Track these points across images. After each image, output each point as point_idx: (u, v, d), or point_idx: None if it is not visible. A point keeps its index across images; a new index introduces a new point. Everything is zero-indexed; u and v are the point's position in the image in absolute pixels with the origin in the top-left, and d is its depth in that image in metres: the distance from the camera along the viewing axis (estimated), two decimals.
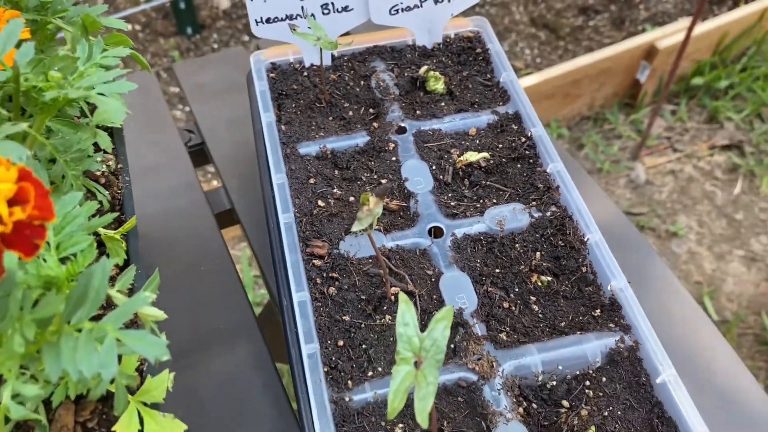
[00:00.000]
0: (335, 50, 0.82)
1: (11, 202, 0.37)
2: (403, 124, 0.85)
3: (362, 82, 0.91)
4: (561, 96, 2.31)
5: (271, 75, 0.90)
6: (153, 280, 0.52)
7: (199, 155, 1.05)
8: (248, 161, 1.00)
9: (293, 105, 0.87)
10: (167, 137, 1.03)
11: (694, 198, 2.25)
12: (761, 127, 2.40)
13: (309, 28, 0.85)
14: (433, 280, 0.72)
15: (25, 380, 0.45)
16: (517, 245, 0.74)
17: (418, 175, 0.80)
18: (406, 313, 0.53)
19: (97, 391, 0.49)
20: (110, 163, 0.68)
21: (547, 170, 0.79)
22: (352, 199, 0.79)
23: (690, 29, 1.93)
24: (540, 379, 0.66)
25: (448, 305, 0.57)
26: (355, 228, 0.58)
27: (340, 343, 0.67)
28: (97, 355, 0.40)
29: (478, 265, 0.73)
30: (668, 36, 2.32)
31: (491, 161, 0.80)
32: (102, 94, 0.52)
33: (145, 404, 0.53)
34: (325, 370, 0.64)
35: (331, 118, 0.87)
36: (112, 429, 0.51)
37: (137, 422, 0.52)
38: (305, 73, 0.91)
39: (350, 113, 0.87)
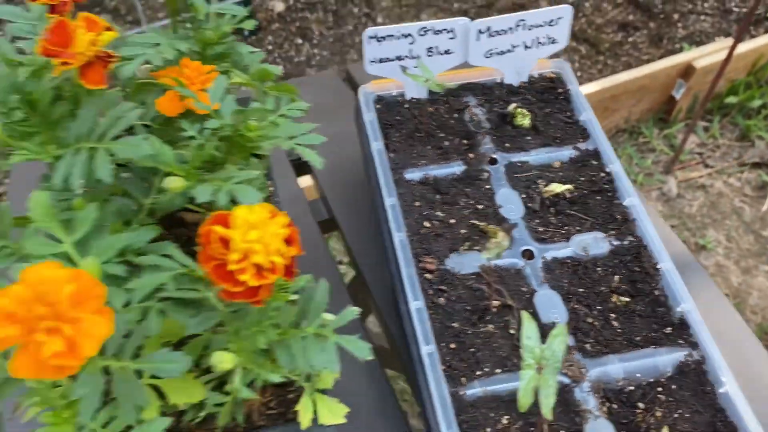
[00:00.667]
0: (438, 89, 0.94)
1: (263, 268, 0.49)
2: (494, 156, 0.97)
3: (455, 115, 1.03)
4: (600, 109, 2.42)
5: (378, 106, 1.03)
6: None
7: (299, 167, 1.18)
8: (345, 174, 1.12)
9: (397, 134, 1.00)
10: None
11: (724, 213, 2.36)
12: None
13: (415, 67, 0.98)
14: (527, 296, 0.84)
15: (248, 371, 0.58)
16: (598, 269, 0.87)
17: (510, 203, 0.92)
18: (529, 328, 0.65)
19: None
20: (271, 188, 0.81)
21: (624, 203, 0.91)
22: (452, 221, 0.91)
23: (731, 51, 2.04)
24: (620, 384, 0.78)
25: (559, 323, 0.69)
26: (484, 256, 0.70)
27: (452, 345, 0.80)
28: (323, 354, 0.54)
29: (565, 284, 0.85)
30: (705, 56, 2.43)
31: (575, 193, 0.93)
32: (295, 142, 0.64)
33: (316, 390, 0.66)
34: (443, 368, 0.77)
35: (429, 147, 0.99)
36: (295, 408, 0.64)
37: (311, 404, 0.65)
38: (406, 106, 1.03)
39: (446, 143, 1.00)
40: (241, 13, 0.75)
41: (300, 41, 2.70)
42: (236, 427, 0.66)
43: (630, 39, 2.75)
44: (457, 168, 0.96)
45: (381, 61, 0.99)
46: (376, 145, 0.97)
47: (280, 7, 2.77)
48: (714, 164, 2.48)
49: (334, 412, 0.66)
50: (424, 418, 0.77)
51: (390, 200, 0.91)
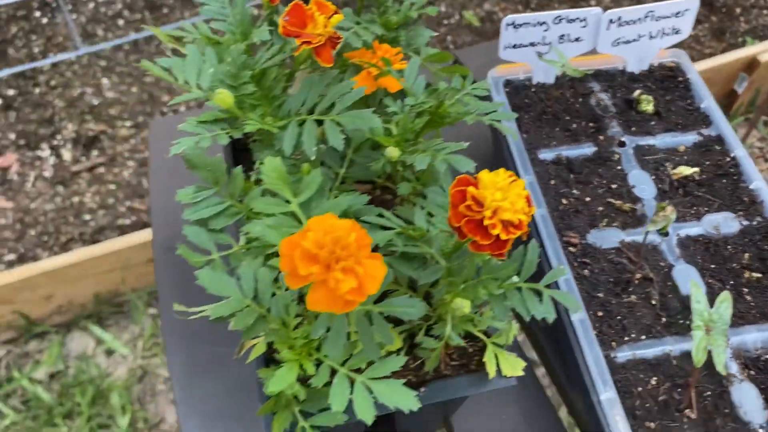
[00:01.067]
0: (577, 75, 1.00)
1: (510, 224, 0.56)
2: (623, 139, 1.03)
3: (580, 100, 1.09)
4: None
5: (506, 89, 1.09)
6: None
7: None
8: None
9: (526, 116, 1.06)
10: None
11: None
12: None
13: (546, 53, 1.04)
14: (665, 270, 0.90)
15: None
16: (729, 247, 0.93)
17: (642, 184, 0.98)
18: (698, 294, 0.72)
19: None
20: None
21: (751, 187, 0.97)
22: (588, 199, 0.97)
23: None
24: (758, 352, 0.84)
25: (724, 291, 0.75)
26: (649, 228, 0.77)
27: (600, 313, 0.86)
28: (542, 305, 0.60)
29: (699, 260, 0.92)
30: None
31: (702, 176, 0.98)
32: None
33: (496, 345, 0.73)
34: (595, 333, 0.84)
35: (558, 129, 1.05)
36: (482, 360, 0.71)
37: (494, 357, 0.72)
38: (533, 90, 1.09)
39: (574, 126, 1.06)
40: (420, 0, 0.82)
41: None
42: (426, 374, 0.73)
43: (692, 32, 2.79)
44: (587, 149, 1.02)
45: (515, 46, 1.05)
46: (511, 125, 1.03)
47: None
48: None
49: (514, 366, 0.72)
50: (574, 379, 0.83)
51: (528, 177, 0.97)
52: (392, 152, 0.68)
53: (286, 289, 0.64)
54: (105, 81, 2.38)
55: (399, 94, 0.76)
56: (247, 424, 0.89)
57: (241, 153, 0.87)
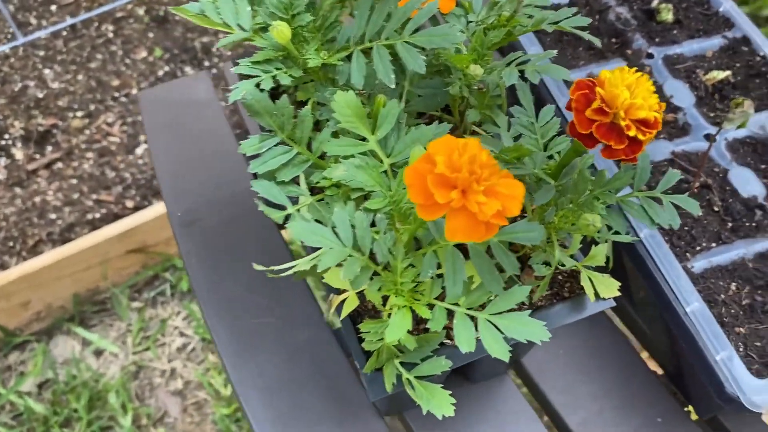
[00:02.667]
0: None
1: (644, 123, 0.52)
2: (650, 51, 1.00)
3: (597, 17, 1.05)
4: None
5: None
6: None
7: None
8: None
9: (547, 39, 1.02)
10: None
11: None
12: None
13: None
14: (721, 175, 0.88)
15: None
16: None
17: (678, 92, 0.96)
18: None
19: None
20: None
21: None
22: None
23: None
24: None
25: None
26: (726, 126, 0.74)
27: (667, 226, 0.83)
28: (666, 212, 0.57)
29: (750, 162, 0.90)
30: None
31: (737, 78, 0.96)
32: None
33: (589, 267, 0.69)
34: (668, 246, 0.81)
35: (581, 49, 1.02)
36: (580, 285, 0.68)
37: (589, 281, 0.68)
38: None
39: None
40: None
41: None
42: (522, 305, 0.69)
43: None
44: (617, 65, 0.99)
45: None
46: (535, 50, 0.98)
47: None
48: None
49: (609, 287, 0.69)
50: (655, 296, 0.80)
51: (565, 101, 0.93)
52: (476, 70, 0.62)
53: (385, 232, 0.58)
54: (47, 72, 2.23)
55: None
56: (311, 390, 0.84)
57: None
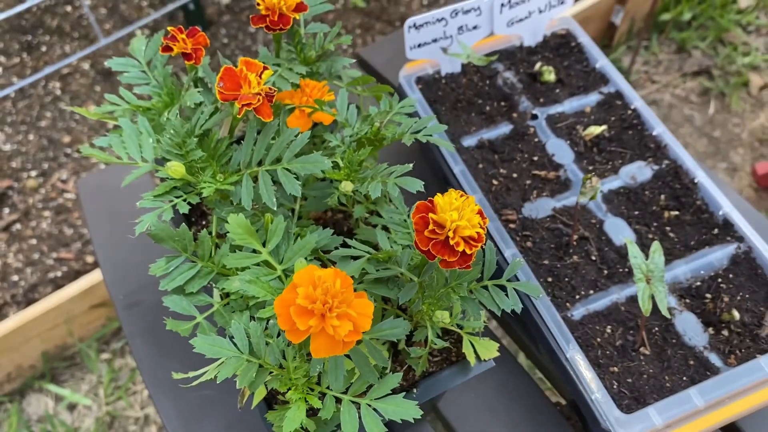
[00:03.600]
0: (482, 63, 1.07)
1: (471, 239, 0.62)
2: (534, 112, 1.11)
3: (488, 82, 1.16)
4: None
5: (419, 86, 1.15)
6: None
7: None
8: (399, 154, 1.24)
9: (443, 108, 1.13)
10: None
11: (677, 122, 2.59)
12: (724, 51, 2.74)
13: (444, 49, 1.10)
14: (597, 226, 1.00)
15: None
16: (646, 192, 1.03)
17: (559, 150, 1.07)
18: (635, 249, 0.81)
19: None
20: None
21: (654, 133, 1.07)
22: (515, 175, 1.05)
23: None
24: (689, 281, 0.95)
25: (655, 241, 0.84)
26: (580, 200, 0.85)
27: (549, 279, 0.95)
28: (509, 299, 0.68)
29: (624, 210, 1.01)
30: None
31: (612, 131, 1.08)
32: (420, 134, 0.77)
33: (470, 334, 0.80)
34: (550, 299, 0.92)
35: (473, 114, 1.13)
36: (461, 350, 0.78)
37: (470, 345, 0.79)
38: (444, 81, 1.16)
39: (487, 108, 1.13)
40: (330, 31, 0.86)
41: (253, 30, 2.75)
42: (413, 376, 0.80)
43: None
44: (504, 128, 1.10)
45: (420, 45, 1.10)
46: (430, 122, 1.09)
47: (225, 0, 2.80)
48: (659, 79, 2.70)
49: (489, 349, 0.80)
50: (540, 343, 0.91)
51: (458, 167, 1.04)
52: (347, 186, 0.73)
53: (278, 335, 0.68)
54: None
55: (332, 124, 0.81)
56: None
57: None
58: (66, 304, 1.87)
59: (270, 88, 0.69)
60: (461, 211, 0.61)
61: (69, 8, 2.62)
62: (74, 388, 1.95)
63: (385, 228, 0.79)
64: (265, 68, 0.70)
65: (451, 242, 0.61)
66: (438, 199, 0.62)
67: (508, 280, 0.72)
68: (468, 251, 0.61)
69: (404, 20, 2.64)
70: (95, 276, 1.89)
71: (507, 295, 0.71)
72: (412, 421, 0.65)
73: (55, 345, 1.94)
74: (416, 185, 0.70)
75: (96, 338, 1.98)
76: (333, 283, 0.57)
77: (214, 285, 0.75)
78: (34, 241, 2.10)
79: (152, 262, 1.11)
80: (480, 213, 0.63)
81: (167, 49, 0.76)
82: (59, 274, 2.06)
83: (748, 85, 2.74)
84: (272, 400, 0.78)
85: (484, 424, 0.97)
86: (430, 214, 0.61)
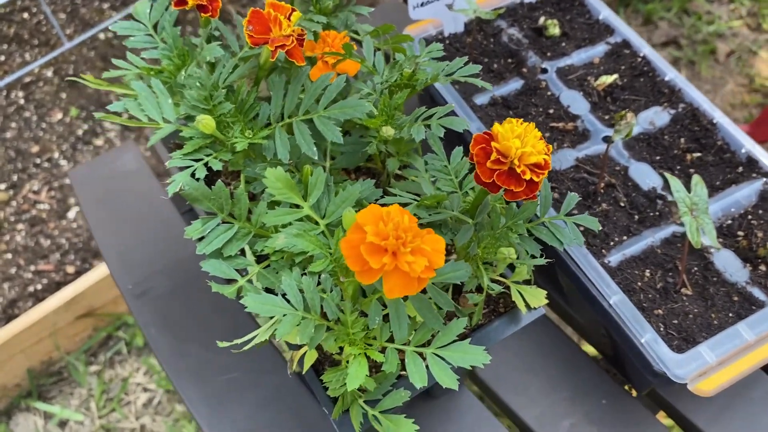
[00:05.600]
0: (489, 17, 1.04)
1: (537, 166, 0.59)
2: (543, 66, 1.09)
3: (492, 40, 1.14)
4: None
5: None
6: None
7: None
8: None
9: None
10: None
11: None
12: (689, 21, 2.78)
13: (450, 6, 1.07)
14: (622, 173, 0.98)
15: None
16: (666, 137, 1.01)
17: (574, 101, 1.05)
18: (676, 183, 0.79)
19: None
20: None
21: (666, 78, 1.06)
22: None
23: None
24: (720, 220, 0.94)
25: (695, 174, 0.82)
26: (615, 137, 0.83)
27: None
28: (571, 233, 0.65)
29: (646, 156, 1.00)
30: None
31: (624, 80, 1.06)
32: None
33: (517, 283, 0.77)
34: (585, 247, 0.90)
35: (482, 73, 1.10)
36: (511, 300, 0.75)
37: (519, 294, 0.76)
38: (447, 42, 1.13)
39: (495, 66, 1.11)
40: None
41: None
42: (465, 327, 0.76)
43: None
44: (515, 84, 1.07)
45: (423, 4, 1.07)
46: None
47: None
48: None
49: (537, 297, 0.77)
50: (579, 293, 0.88)
51: (474, 125, 1.01)
52: (388, 131, 0.69)
53: (330, 290, 0.64)
54: None
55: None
56: None
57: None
58: (50, 316, 1.79)
59: (301, 30, 0.65)
60: (524, 137, 0.58)
61: (26, 15, 2.53)
62: (64, 404, 1.87)
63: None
64: (293, 10, 0.66)
65: (518, 170, 0.57)
66: (497, 127, 0.59)
67: (567, 215, 0.69)
68: (536, 179, 0.58)
69: None
70: (79, 285, 1.81)
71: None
72: (482, 367, 0.61)
73: (41, 360, 1.86)
74: (462, 124, 0.67)
75: (83, 350, 1.91)
76: (402, 218, 0.54)
77: (249, 247, 0.70)
78: (9, 256, 2.01)
79: (157, 248, 1.06)
80: (542, 139, 0.60)
81: (181, 2, 0.71)
82: (39, 286, 1.98)
83: (716, 53, 2.78)
84: (318, 367, 0.74)
85: (523, 383, 0.94)
86: (493, 143, 0.58)
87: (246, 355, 0.96)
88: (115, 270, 1.03)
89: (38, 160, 2.20)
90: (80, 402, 1.89)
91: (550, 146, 0.60)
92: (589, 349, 1.34)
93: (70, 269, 2.02)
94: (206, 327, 0.96)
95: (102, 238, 1.06)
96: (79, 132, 2.26)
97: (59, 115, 2.30)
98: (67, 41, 2.12)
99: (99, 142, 2.21)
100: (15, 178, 2.16)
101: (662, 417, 1.11)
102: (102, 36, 2.43)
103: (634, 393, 0.96)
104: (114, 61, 0.77)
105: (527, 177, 0.57)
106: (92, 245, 2.03)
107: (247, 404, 0.92)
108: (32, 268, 2.01)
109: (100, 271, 1.82)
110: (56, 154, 2.21)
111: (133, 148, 1.18)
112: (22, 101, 2.33)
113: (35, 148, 2.22)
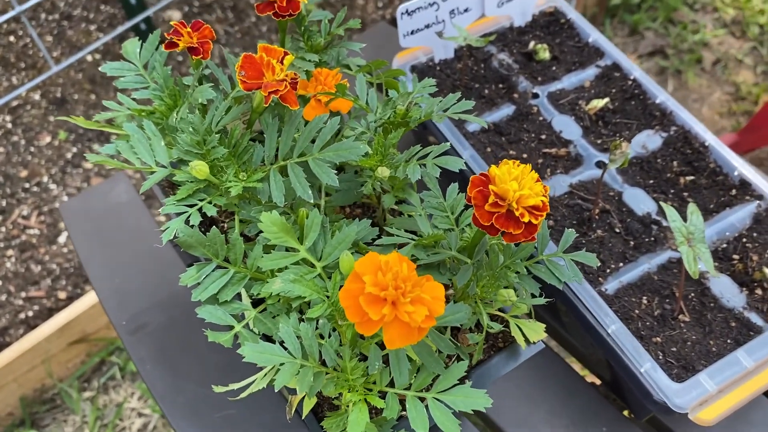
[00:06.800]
0: (480, 44, 1.04)
1: (535, 208, 0.59)
2: (534, 90, 1.09)
3: (482, 65, 1.14)
4: None
5: (413, 75, 1.11)
6: None
7: None
8: None
9: (441, 95, 1.09)
10: None
11: None
12: (675, 31, 2.80)
13: (441, 33, 1.07)
14: (616, 198, 0.98)
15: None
16: (659, 160, 1.01)
17: (566, 126, 1.05)
18: (673, 213, 0.79)
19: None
20: None
21: (657, 101, 1.06)
22: (525, 156, 1.03)
23: None
24: (715, 244, 0.94)
25: (691, 203, 0.82)
26: (611, 166, 0.83)
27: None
28: (569, 270, 0.64)
29: (640, 180, 1.00)
30: None
31: (615, 103, 1.06)
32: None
33: (516, 317, 0.77)
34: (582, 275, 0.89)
35: (472, 99, 1.10)
36: (510, 334, 0.75)
37: (518, 329, 0.75)
38: (438, 68, 1.13)
39: (486, 91, 1.11)
40: (336, 16, 0.82)
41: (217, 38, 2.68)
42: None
43: None
44: (507, 110, 1.07)
45: (413, 32, 1.07)
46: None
47: (177, 16, 2.73)
48: None
49: (537, 330, 0.77)
50: (577, 321, 0.88)
51: (467, 152, 1.01)
52: (384, 172, 0.68)
53: (329, 335, 0.64)
54: None
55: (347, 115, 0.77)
56: None
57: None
58: (42, 343, 1.77)
59: (294, 74, 0.65)
60: (521, 180, 0.58)
61: (12, 38, 2.51)
62: None
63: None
64: (285, 53, 0.66)
65: (516, 213, 0.57)
66: (494, 170, 0.59)
67: (565, 252, 0.69)
68: (534, 221, 0.58)
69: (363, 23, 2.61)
70: (71, 311, 1.80)
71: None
72: (483, 410, 0.61)
73: (33, 388, 1.84)
74: (458, 164, 0.67)
75: (77, 376, 1.89)
76: (401, 267, 0.53)
77: (245, 291, 0.70)
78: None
79: (150, 282, 1.05)
80: (539, 181, 0.60)
81: (171, 45, 0.71)
82: (31, 313, 1.96)
83: (702, 62, 2.79)
84: (318, 410, 0.73)
85: (524, 412, 0.94)
86: (490, 186, 0.58)
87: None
88: (108, 305, 1.02)
89: (27, 185, 2.18)
90: (74, 429, 1.87)
91: (548, 187, 0.60)
92: (589, 376, 1.33)
93: (62, 295, 2.00)
94: (202, 362, 0.95)
95: (94, 273, 1.05)
96: (68, 155, 2.24)
97: (48, 139, 2.29)
98: (54, 64, 2.11)
99: (88, 165, 2.20)
100: (4, 203, 2.14)
101: None
102: (89, 58, 2.42)
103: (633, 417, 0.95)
104: (105, 102, 0.77)
105: (526, 219, 0.57)
106: (84, 270, 2.02)
107: None
108: (23, 294, 1.99)
109: (92, 296, 1.80)
110: (45, 178, 2.20)
111: (124, 180, 1.17)
112: (9, 125, 2.31)
113: (24, 173, 2.20)
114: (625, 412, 0.96)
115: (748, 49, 2.78)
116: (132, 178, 2.12)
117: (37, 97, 2.37)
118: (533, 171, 0.59)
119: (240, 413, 0.93)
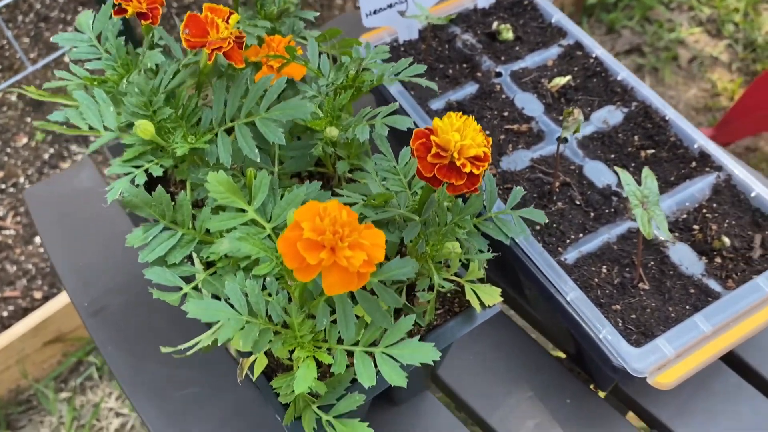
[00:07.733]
0: (442, 22, 1.05)
1: (477, 159, 0.59)
2: (498, 69, 1.10)
3: (446, 46, 1.14)
4: None
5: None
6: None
7: None
8: None
9: None
10: None
11: None
12: (651, 29, 2.82)
13: (403, 12, 1.08)
14: (577, 171, 0.98)
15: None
16: (620, 134, 1.02)
17: (528, 103, 1.05)
18: (627, 177, 0.79)
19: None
20: None
21: (618, 78, 1.07)
22: (488, 132, 1.03)
23: None
24: (675, 215, 0.94)
25: (645, 167, 0.82)
26: (564, 134, 0.83)
27: (537, 227, 0.92)
28: (516, 227, 0.64)
29: (600, 154, 1.00)
30: None
31: (577, 81, 1.07)
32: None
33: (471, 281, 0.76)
34: (541, 245, 0.90)
35: (437, 79, 1.10)
36: (465, 299, 0.75)
37: (473, 293, 0.75)
38: (402, 49, 1.13)
39: (450, 71, 1.11)
40: None
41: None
42: (419, 329, 0.76)
43: None
44: (470, 88, 1.08)
45: (375, 12, 1.08)
46: (395, 88, 1.06)
47: None
48: None
49: (492, 294, 0.76)
50: (536, 291, 0.88)
51: None
52: (332, 132, 0.68)
53: (277, 293, 0.63)
54: None
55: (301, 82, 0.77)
56: None
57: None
58: (16, 343, 1.75)
59: (240, 32, 0.65)
60: (463, 131, 0.58)
61: None
62: None
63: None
64: (231, 13, 0.66)
65: (458, 163, 0.57)
66: (437, 122, 0.59)
67: (513, 208, 0.69)
68: (476, 171, 0.58)
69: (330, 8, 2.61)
70: (46, 310, 1.78)
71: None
72: (432, 363, 0.61)
73: (8, 389, 1.82)
74: (406, 123, 0.67)
75: (53, 377, 1.87)
76: (339, 213, 0.53)
77: (196, 254, 0.69)
78: None
79: (112, 265, 1.04)
80: (481, 131, 0.60)
81: (121, 11, 0.71)
82: (5, 313, 1.94)
83: (678, 59, 2.82)
84: (271, 375, 0.72)
85: (486, 385, 0.94)
86: (432, 137, 0.58)
87: (205, 369, 0.95)
88: (71, 288, 1.02)
89: (3, 186, 2.17)
90: (51, 430, 1.85)
91: (490, 138, 0.60)
92: (555, 351, 1.33)
93: (38, 294, 1.98)
94: (164, 342, 0.94)
95: (57, 257, 1.05)
96: (45, 156, 2.23)
97: (24, 140, 2.28)
98: (30, 65, 2.10)
99: (66, 165, 2.19)
100: None
101: (634, 420, 1.11)
102: (67, 59, 2.41)
103: (601, 394, 0.95)
104: (56, 72, 0.76)
105: (467, 170, 0.57)
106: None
107: (208, 420, 0.90)
108: None
109: (67, 295, 1.79)
110: (22, 179, 2.18)
111: (89, 166, 1.16)
112: None
113: (0, 174, 2.19)
114: (591, 387, 0.96)
115: (723, 47, 2.81)
116: (101, 161, 2.11)
117: (13, 98, 2.37)
118: (476, 122, 0.59)
119: (203, 391, 0.92)
